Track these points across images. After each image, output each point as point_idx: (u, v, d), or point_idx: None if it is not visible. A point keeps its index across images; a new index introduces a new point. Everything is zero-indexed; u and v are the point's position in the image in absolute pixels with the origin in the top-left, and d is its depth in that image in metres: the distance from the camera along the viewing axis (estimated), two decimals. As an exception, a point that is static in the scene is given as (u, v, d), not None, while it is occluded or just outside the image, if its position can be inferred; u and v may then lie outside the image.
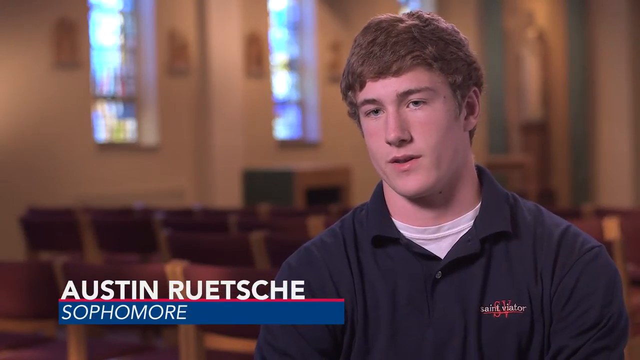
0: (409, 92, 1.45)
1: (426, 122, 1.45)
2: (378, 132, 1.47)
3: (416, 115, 1.46)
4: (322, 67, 10.64)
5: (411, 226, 1.52)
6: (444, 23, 1.50)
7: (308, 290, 1.52)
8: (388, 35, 1.46)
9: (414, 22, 1.48)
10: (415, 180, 1.46)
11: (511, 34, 12.99)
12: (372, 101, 1.47)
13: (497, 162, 11.88)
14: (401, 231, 1.52)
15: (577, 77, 13.40)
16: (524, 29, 13.24)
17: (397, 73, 1.45)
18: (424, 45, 1.45)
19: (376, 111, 1.48)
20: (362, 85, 1.48)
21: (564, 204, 12.26)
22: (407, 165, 1.46)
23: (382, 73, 1.45)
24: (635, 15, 13.01)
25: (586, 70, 13.35)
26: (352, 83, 1.49)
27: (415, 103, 1.46)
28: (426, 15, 1.49)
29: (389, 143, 1.45)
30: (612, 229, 4.02)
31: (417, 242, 1.51)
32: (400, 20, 1.48)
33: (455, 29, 1.51)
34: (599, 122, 13.31)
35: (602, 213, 5.16)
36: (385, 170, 1.48)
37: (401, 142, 1.45)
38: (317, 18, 10.63)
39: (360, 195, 9.73)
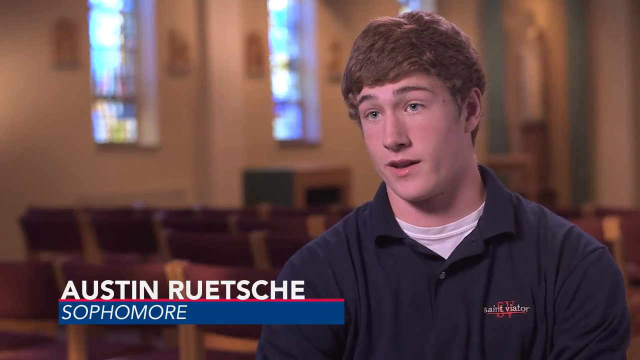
0: (406, 89, 1.44)
1: (425, 126, 1.45)
2: (376, 135, 1.47)
3: (415, 120, 1.45)
4: (322, 67, 10.63)
5: (415, 226, 1.51)
6: (444, 25, 1.48)
7: (311, 290, 1.51)
8: (386, 40, 1.45)
9: (412, 26, 1.46)
10: (414, 185, 1.46)
11: (511, 34, 12.98)
12: (369, 97, 1.46)
13: (497, 162, 11.86)
14: (405, 231, 1.52)
15: (577, 77, 13.40)
16: (524, 29, 13.24)
17: (394, 80, 1.44)
18: (421, 51, 1.44)
19: (375, 114, 1.47)
20: (359, 90, 1.48)
21: (564, 204, 12.25)
22: (406, 171, 1.46)
23: (379, 80, 1.45)
24: (635, 15, 13.00)
25: (586, 70, 13.35)
26: (350, 86, 1.49)
27: (414, 107, 1.45)
28: (426, 18, 1.48)
29: (387, 147, 1.45)
30: (612, 229, 4.01)
31: (421, 242, 1.51)
32: (399, 25, 1.47)
33: (456, 29, 1.49)
34: (599, 122, 13.31)
35: (602, 213, 5.16)
36: (385, 173, 1.49)
37: (399, 147, 1.45)
38: (317, 18, 10.63)
39: (360, 196, 9.73)
